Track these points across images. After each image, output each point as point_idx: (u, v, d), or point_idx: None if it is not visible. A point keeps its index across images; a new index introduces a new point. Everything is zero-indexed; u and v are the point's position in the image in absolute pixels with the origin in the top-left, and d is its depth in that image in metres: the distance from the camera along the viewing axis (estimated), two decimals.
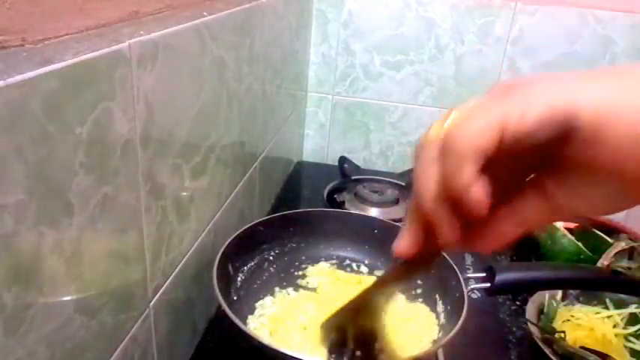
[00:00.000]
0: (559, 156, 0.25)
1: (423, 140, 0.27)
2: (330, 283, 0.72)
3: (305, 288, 0.72)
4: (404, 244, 0.30)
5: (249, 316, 0.65)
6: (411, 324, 0.63)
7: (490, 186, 0.25)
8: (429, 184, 0.26)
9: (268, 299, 0.68)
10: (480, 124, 0.24)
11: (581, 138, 0.23)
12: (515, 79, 0.27)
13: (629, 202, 0.25)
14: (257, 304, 0.67)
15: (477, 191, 0.25)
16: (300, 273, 0.74)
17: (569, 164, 0.25)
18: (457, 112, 0.26)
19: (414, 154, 0.28)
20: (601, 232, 0.86)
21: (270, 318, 0.64)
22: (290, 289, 0.71)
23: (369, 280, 0.73)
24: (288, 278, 0.73)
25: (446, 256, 0.68)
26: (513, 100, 0.24)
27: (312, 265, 0.75)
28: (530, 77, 0.26)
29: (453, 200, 0.26)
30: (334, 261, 0.76)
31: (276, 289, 0.71)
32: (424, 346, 0.60)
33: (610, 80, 0.24)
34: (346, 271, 0.75)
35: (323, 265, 0.76)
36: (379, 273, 0.75)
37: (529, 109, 0.24)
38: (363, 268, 0.76)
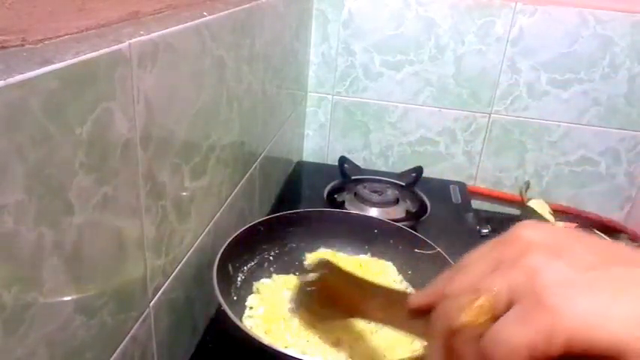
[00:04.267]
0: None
1: (457, 324, 0.28)
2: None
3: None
4: (418, 300, 0.35)
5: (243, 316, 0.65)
6: None
7: None
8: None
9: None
10: (508, 345, 0.25)
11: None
12: (529, 243, 0.27)
13: None
14: (246, 303, 0.67)
15: None
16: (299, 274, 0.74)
17: None
18: (485, 302, 0.27)
19: (437, 323, 0.30)
20: (601, 232, 0.86)
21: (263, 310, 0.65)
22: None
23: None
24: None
25: (446, 256, 0.68)
26: (540, 321, 0.24)
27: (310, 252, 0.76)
28: (553, 269, 0.25)
29: None
30: None
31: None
32: (416, 345, 0.60)
33: None
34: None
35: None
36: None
37: (555, 340, 0.23)
38: None
